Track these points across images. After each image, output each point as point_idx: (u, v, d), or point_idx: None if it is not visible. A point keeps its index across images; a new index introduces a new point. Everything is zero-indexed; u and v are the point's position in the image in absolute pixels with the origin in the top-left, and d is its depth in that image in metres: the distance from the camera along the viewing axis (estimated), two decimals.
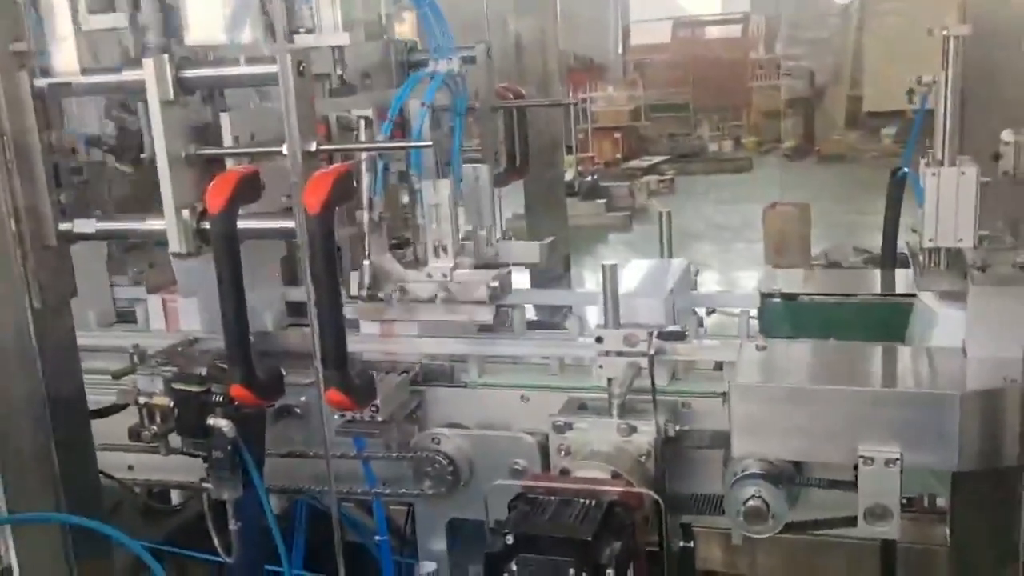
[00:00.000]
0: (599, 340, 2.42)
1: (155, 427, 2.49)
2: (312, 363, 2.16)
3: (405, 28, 2.98)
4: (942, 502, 2.46)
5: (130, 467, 2.84)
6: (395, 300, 2.56)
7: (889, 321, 2.75)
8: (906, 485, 2.08)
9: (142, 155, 2.48)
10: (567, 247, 5.44)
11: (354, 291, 2.51)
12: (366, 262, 2.50)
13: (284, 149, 2.11)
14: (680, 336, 2.45)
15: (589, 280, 5.85)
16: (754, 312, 2.80)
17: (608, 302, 2.40)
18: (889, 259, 3.19)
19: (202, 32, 2.33)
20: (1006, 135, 2.84)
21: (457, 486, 2.56)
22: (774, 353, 2.35)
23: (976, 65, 2.80)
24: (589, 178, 16.16)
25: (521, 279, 3.42)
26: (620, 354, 2.40)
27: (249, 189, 2.19)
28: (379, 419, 2.53)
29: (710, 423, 2.44)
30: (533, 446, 2.50)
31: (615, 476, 2.27)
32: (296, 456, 2.66)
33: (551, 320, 3.21)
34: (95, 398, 2.49)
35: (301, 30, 2.51)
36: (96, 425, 2.43)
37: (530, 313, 3.15)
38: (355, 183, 2.33)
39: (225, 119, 2.28)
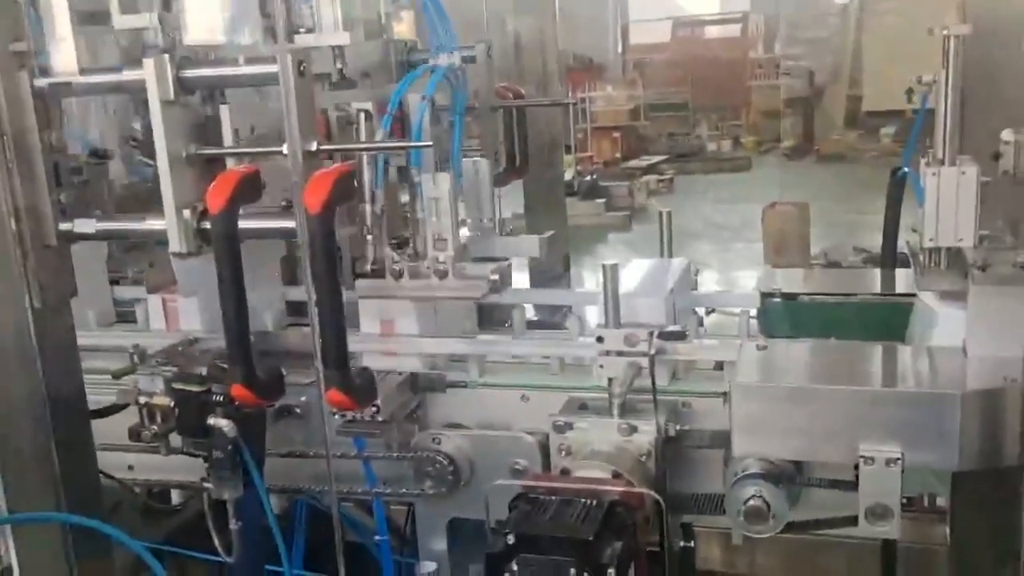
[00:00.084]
0: (599, 340, 2.42)
1: (155, 427, 2.49)
2: (312, 363, 2.16)
3: (403, 28, 2.97)
4: (942, 502, 2.45)
5: (130, 467, 2.84)
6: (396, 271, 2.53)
7: (889, 321, 2.75)
8: (906, 485, 2.08)
9: None
10: (567, 247, 5.42)
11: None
12: (370, 237, 2.50)
13: (284, 149, 2.11)
14: (680, 336, 2.44)
15: (589, 280, 5.84)
16: (754, 312, 2.79)
17: (608, 302, 2.40)
18: (889, 259, 3.19)
19: (202, 32, 2.33)
20: (1006, 135, 2.84)
21: (457, 486, 2.56)
22: (774, 353, 2.35)
23: (976, 65, 2.79)
24: (588, 178, 16.21)
25: (521, 279, 3.42)
26: (620, 354, 2.40)
27: (250, 189, 2.19)
28: (380, 419, 2.53)
29: (710, 423, 2.44)
30: (534, 446, 2.50)
31: (616, 476, 2.27)
32: (296, 456, 2.66)
33: (551, 320, 3.21)
34: (95, 398, 2.49)
35: (301, 29, 2.51)
36: (96, 425, 2.43)
37: (530, 313, 3.15)
38: (355, 182, 2.33)
39: (225, 111, 2.28)
